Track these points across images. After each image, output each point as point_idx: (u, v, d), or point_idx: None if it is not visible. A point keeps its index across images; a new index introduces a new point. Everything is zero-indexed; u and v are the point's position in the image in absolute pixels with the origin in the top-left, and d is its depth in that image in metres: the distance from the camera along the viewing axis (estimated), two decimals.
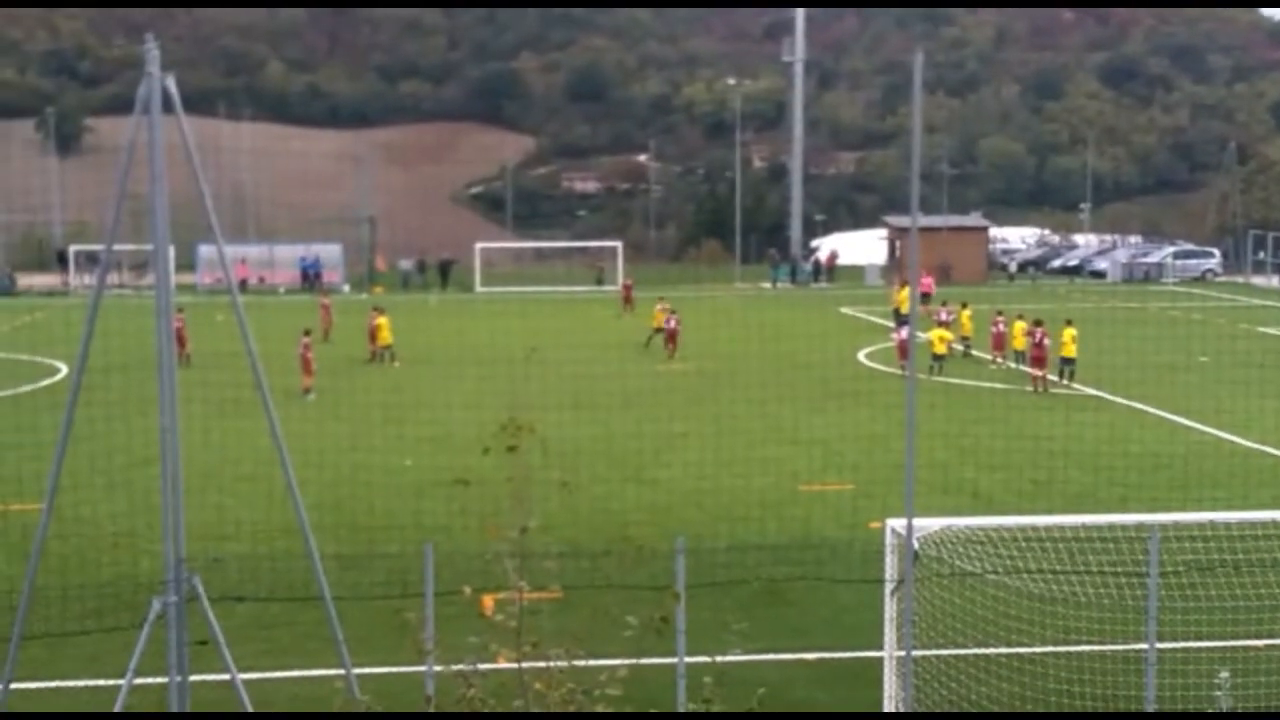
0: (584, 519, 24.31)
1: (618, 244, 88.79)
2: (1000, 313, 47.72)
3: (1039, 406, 38.41)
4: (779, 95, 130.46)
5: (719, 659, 11.07)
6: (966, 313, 50.03)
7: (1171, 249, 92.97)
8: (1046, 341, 41.96)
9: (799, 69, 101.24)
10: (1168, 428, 35.35)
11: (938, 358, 44.36)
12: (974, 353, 48.64)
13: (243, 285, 73.79)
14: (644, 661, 14.46)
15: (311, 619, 17.28)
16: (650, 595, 10.31)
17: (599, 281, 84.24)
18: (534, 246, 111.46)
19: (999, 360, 46.13)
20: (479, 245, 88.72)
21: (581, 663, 8.87)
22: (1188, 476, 28.74)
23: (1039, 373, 41.57)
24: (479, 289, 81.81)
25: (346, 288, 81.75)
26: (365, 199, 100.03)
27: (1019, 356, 44.79)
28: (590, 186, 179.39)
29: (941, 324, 47.40)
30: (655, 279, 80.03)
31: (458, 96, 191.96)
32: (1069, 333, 42.17)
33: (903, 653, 15.06)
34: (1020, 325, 45.20)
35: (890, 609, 15.93)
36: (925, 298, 64.82)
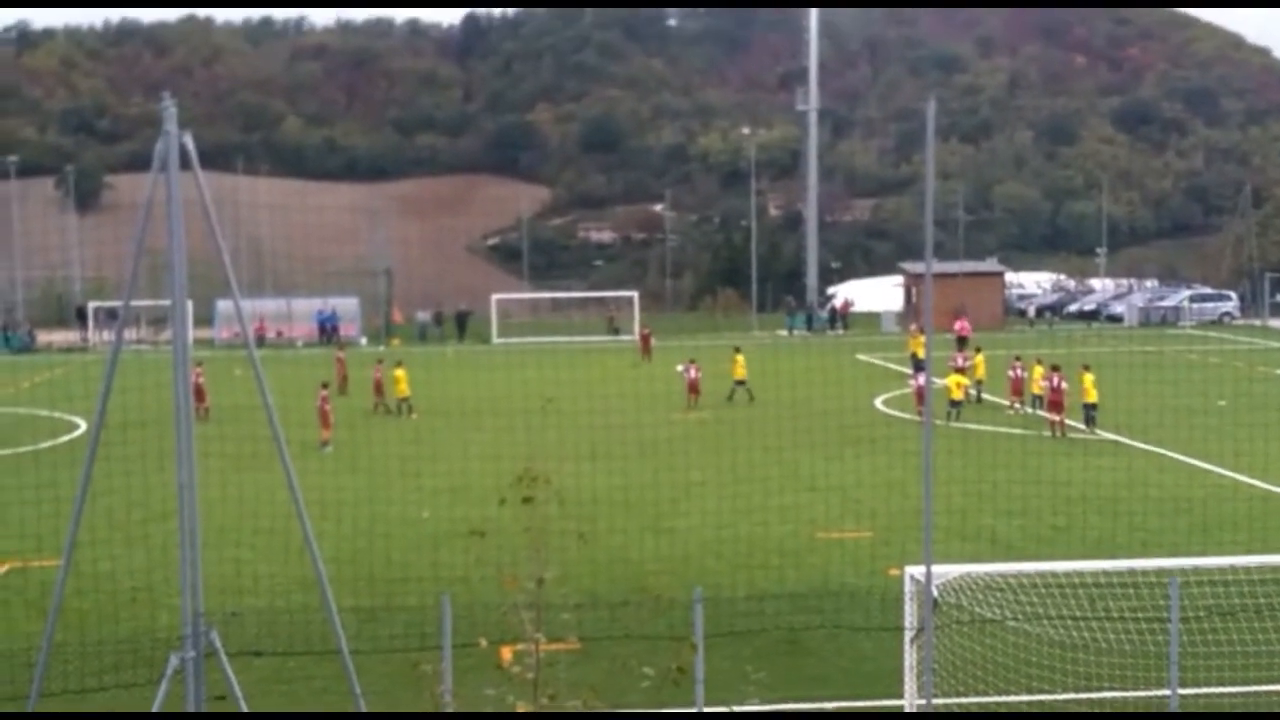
0: (602, 569, 24.25)
1: (634, 294, 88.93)
2: (1018, 358, 47.65)
3: (1057, 452, 38.29)
4: (793, 144, 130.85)
5: (737, 709, 11.05)
6: (980, 358, 49.96)
7: (1188, 292, 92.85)
8: (1064, 386, 41.86)
9: (813, 117, 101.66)
10: (1186, 471, 35.20)
11: (955, 403, 44.28)
12: (986, 398, 48.54)
13: (260, 339, 74.09)
14: (663, 711, 14.47)
15: (329, 672, 17.25)
16: (668, 645, 10.31)
17: (614, 331, 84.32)
18: (550, 297, 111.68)
19: (1017, 406, 46.03)
20: (495, 296, 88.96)
21: (599, 714, 8.87)
22: (1207, 520, 28.60)
23: (1057, 418, 41.46)
24: (496, 340, 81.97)
25: (364, 340, 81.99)
26: (382, 251, 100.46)
27: (1037, 401, 44.68)
28: (606, 236, 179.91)
29: (958, 370, 47.33)
30: (672, 328, 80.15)
31: (473, 148, 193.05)
32: (1088, 378, 42.05)
33: (923, 701, 14.99)
34: (1039, 370, 45.13)
35: (910, 657, 15.87)
36: (962, 341, 64.81)
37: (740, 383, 49.95)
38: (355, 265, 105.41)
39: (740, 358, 50.68)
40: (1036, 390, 44.66)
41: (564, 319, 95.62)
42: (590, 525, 26.37)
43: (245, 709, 13.87)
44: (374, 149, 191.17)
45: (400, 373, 48.15)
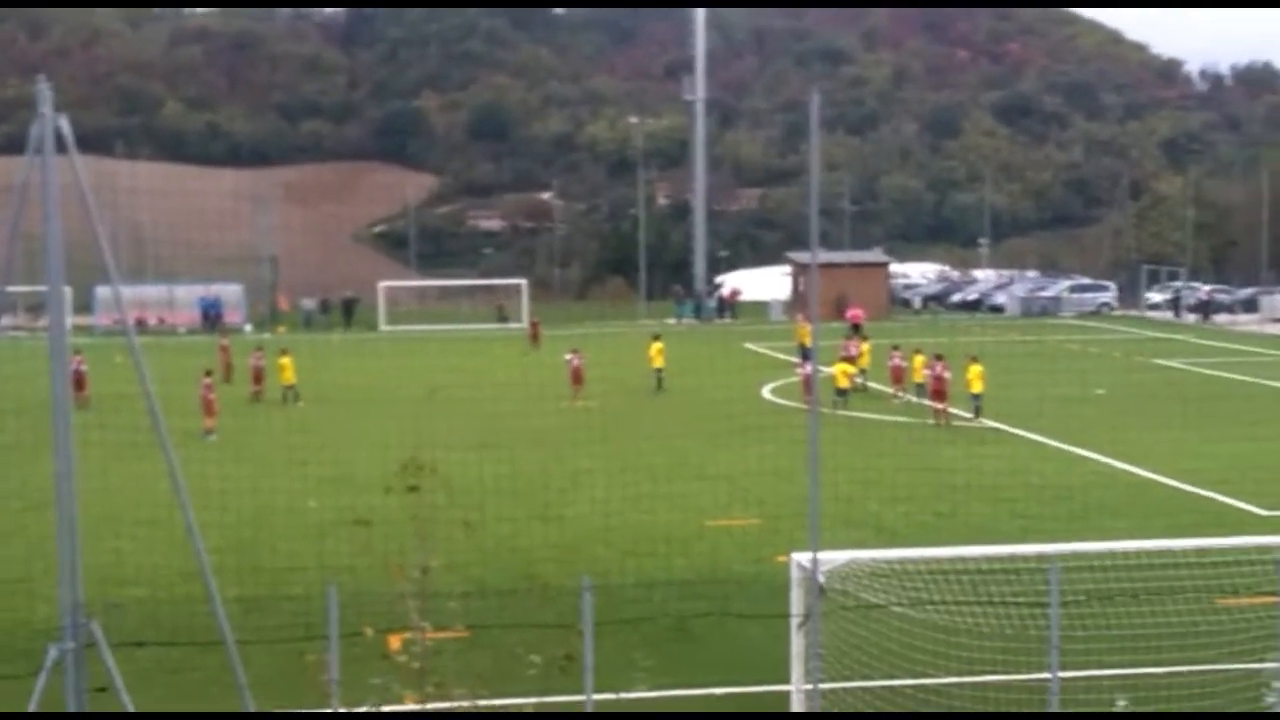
0: (490, 557, 24.18)
1: (522, 282, 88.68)
2: (897, 347, 48.21)
3: (941, 440, 38.79)
4: (681, 133, 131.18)
5: (624, 695, 11.06)
6: (866, 347, 50.45)
7: (1068, 283, 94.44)
8: (947, 375, 42.40)
9: (700, 108, 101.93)
10: (1066, 459, 35.84)
11: (841, 392, 44.68)
12: (871, 386, 49.03)
13: (141, 326, 72.86)
14: (551, 699, 14.45)
15: (214, 663, 17.00)
16: (556, 633, 10.32)
17: (503, 319, 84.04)
18: (438, 285, 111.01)
19: (900, 394, 46.55)
20: (382, 284, 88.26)
21: (486, 702, 8.83)
22: (1087, 507, 29.15)
23: (940, 406, 41.99)
24: (383, 328, 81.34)
25: (248, 328, 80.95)
26: (266, 238, 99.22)
27: (919, 390, 45.23)
28: (494, 225, 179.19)
29: (846, 359, 47.76)
30: (560, 317, 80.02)
31: (359, 135, 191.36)
32: (975, 369, 42.50)
33: (810, 686, 15.12)
34: (919, 359, 45.69)
35: (797, 643, 15.99)
36: (856, 328, 65.44)
37: (658, 371, 49.72)
38: (240, 252, 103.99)
39: (658, 345, 50.48)
40: (919, 379, 45.21)
41: (452, 307, 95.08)
42: (478, 513, 26.25)
43: (127, 700, 13.65)
44: (257, 134, 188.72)
45: (286, 360, 47.59)
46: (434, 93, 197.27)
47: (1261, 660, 16.25)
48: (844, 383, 45.04)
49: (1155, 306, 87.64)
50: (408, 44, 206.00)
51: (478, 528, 24.71)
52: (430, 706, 8.68)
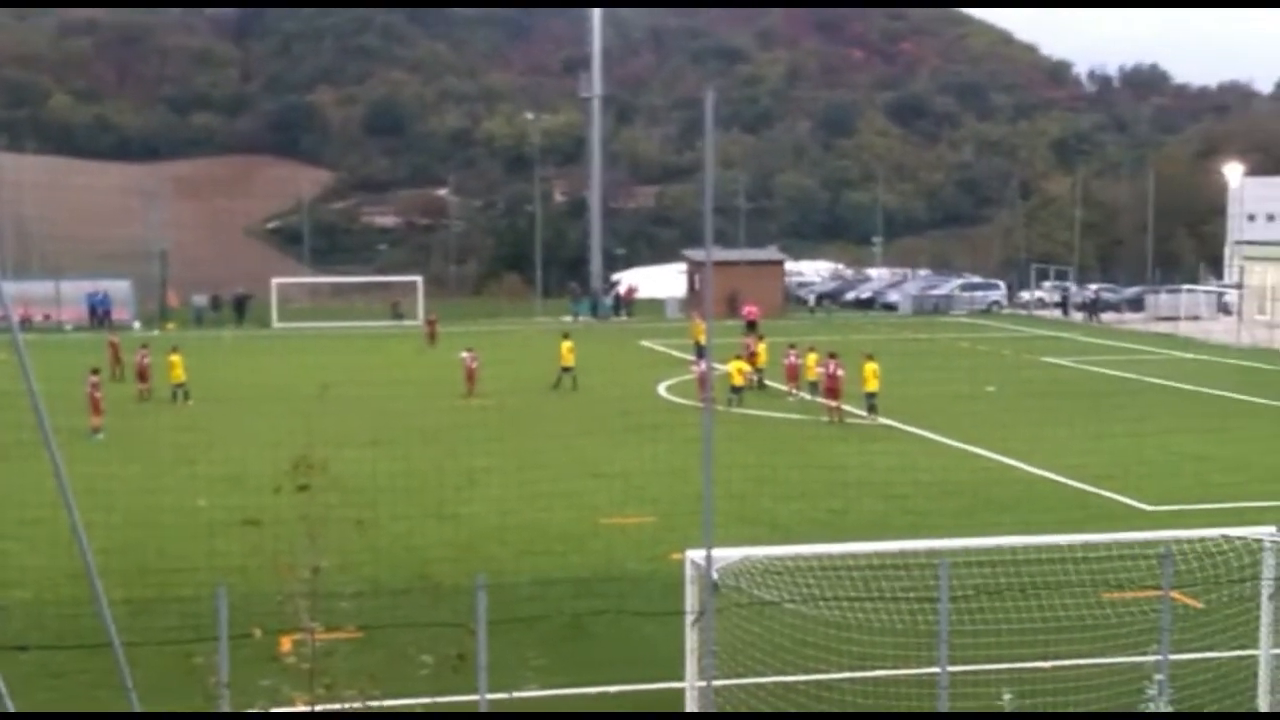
0: (384, 557, 24.02)
1: (418, 278, 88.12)
2: (793, 345, 48.56)
3: (834, 437, 39.13)
4: (578, 130, 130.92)
5: (517, 695, 11.05)
6: (762, 345, 50.70)
7: (959, 281, 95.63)
8: (841, 373, 42.73)
9: (597, 104, 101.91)
10: (956, 456, 36.31)
11: (736, 389, 44.89)
12: (768, 384, 49.31)
13: (27, 323, 71.46)
14: (444, 699, 14.39)
15: (101, 666, 16.72)
16: (450, 633, 10.27)
17: (397, 316, 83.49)
18: (332, 281, 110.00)
19: (794, 392, 46.87)
20: (275, 280, 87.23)
21: (378, 703, 8.78)
22: (976, 503, 29.56)
23: (833, 404, 42.34)
24: (276, 325, 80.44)
25: (137, 324, 79.68)
26: (156, 233, 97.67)
27: (813, 388, 45.57)
28: (389, 221, 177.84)
29: (741, 356, 47.99)
30: (456, 314, 79.64)
31: (252, 129, 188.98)
32: (870, 367, 42.70)
33: (704, 683, 15.19)
34: (813, 357, 46.04)
35: (691, 640, 16.05)
36: (751, 325, 65.79)
37: (567, 369, 49.41)
38: (129, 247, 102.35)
39: (568, 344, 50.12)
40: (812, 377, 45.55)
41: (346, 304, 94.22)
42: (373, 512, 26.11)
43: (10, 704, 13.38)
44: (147, 128, 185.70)
45: (175, 358, 46.88)
46: (329, 87, 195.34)
47: (1144, 653, 16.56)
48: (739, 380, 45.26)
49: (1044, 305, 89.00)
50: (301, 38, 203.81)
51: (372, 526, 24.56)
52: (320, 708, 8.61)
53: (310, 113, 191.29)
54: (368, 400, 43.65)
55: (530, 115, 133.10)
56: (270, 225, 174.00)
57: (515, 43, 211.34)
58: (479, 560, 23.81)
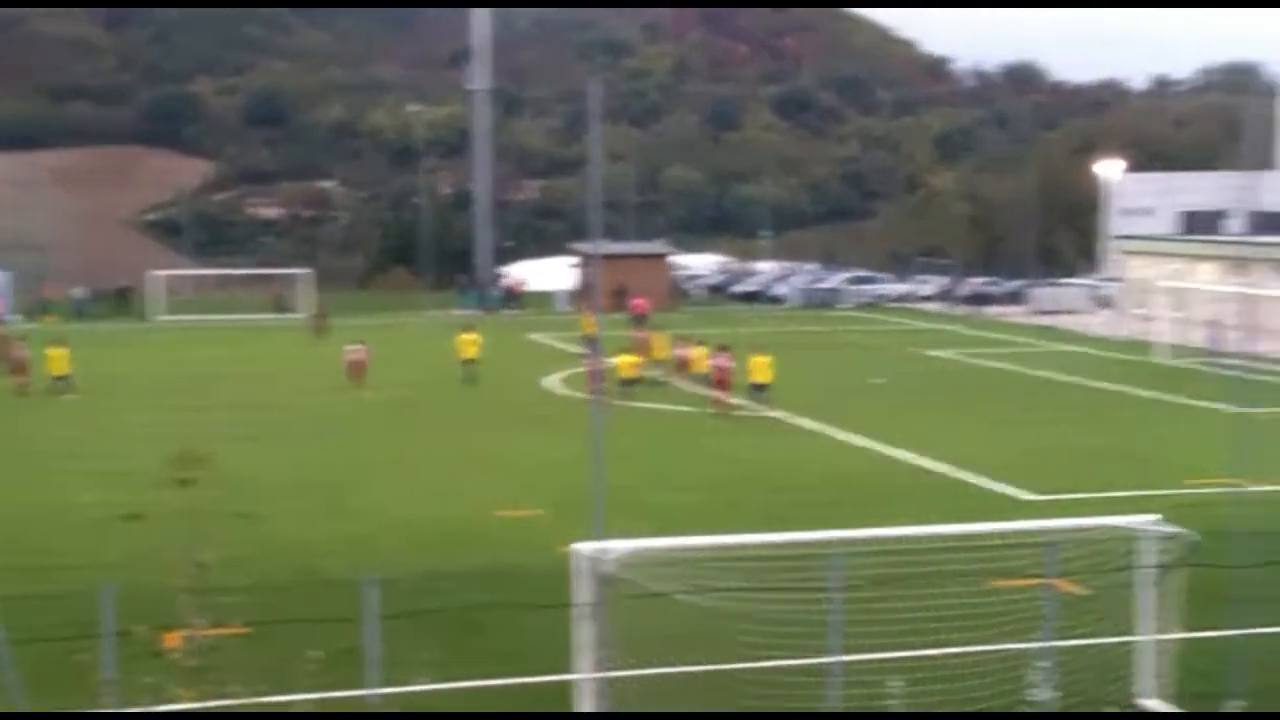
0: (273, 552, 23.71)
1: (304, 271, 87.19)
2: (683, 337, 48.72)
3: (726, 430, 39.29)
4: (463, 122, 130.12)
5: (409, 689, 10.94)
6: (657, 338, 50.67)
7: (845, 275, 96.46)
8: (731, 365, 42.91)
9: (483, 96, 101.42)
10: (847, 448, 36.62)
11: (627, 383, 44.89)
12: (660, 378, 49.40)
13: None
14: (334, 695, 14.23)
15: None
16: (340, 628, 10.14)
17: (281, 309, 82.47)
18: (215, 274, 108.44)
19: (687, 385, 46.95)
20: (157, 273, 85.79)
21: (265, 699, 8.63)
22: (865, 494, 29.84)
23: (720, 394, 42.49)
24: (158, 318, 79.12)
25: (16, 317, 77.95)
26: (34, 225, 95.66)
27: (704, 380, 45.73)
28: (273, 213, 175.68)
29: (630, 350, 47.98)
30: (342, 306, 78.81)
31: (130, 119, 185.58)
32: (760, 360, 42.84)
33: (596, 675, 15.15)
34: (700, 350, 46.25)
35: (583, 633, 16.01)
36: (640, 319, 65.77)
37: (469, 362, 48.95)
38: (5, 239, 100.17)
39: (469, 336, 49.59)
40: (703, 369, 45.69)
41: (229, 296, 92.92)
42: (263, 507, 25.79)
43: None
44: (22, 117, 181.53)
45: (57, 351, 45.93)
46: (209, 77, 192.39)
47: (1029, 640, 16.81)
48: (630, 373, 45.27)
49: (928, 298, 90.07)
50: (180, 27, 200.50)
51: (260, 521, 24.26)
52: (212, 705, 8.46)
53: (190, 103, 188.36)
54: (254, 394, 43.09)
55: (415, 107, 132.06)
56: (151, 217, 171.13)
57: (398, 34, 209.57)
58: (369, 555, 23.59)
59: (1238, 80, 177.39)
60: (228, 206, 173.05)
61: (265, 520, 24.99)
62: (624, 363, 45.60)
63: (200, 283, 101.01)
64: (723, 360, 43.08)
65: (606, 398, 43.11)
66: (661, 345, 50.41)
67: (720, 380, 42.84)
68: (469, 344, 48.82)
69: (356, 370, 47.28)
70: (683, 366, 47.34)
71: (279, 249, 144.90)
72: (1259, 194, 74.25)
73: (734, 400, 42.44)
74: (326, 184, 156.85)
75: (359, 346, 48.53)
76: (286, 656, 9.70)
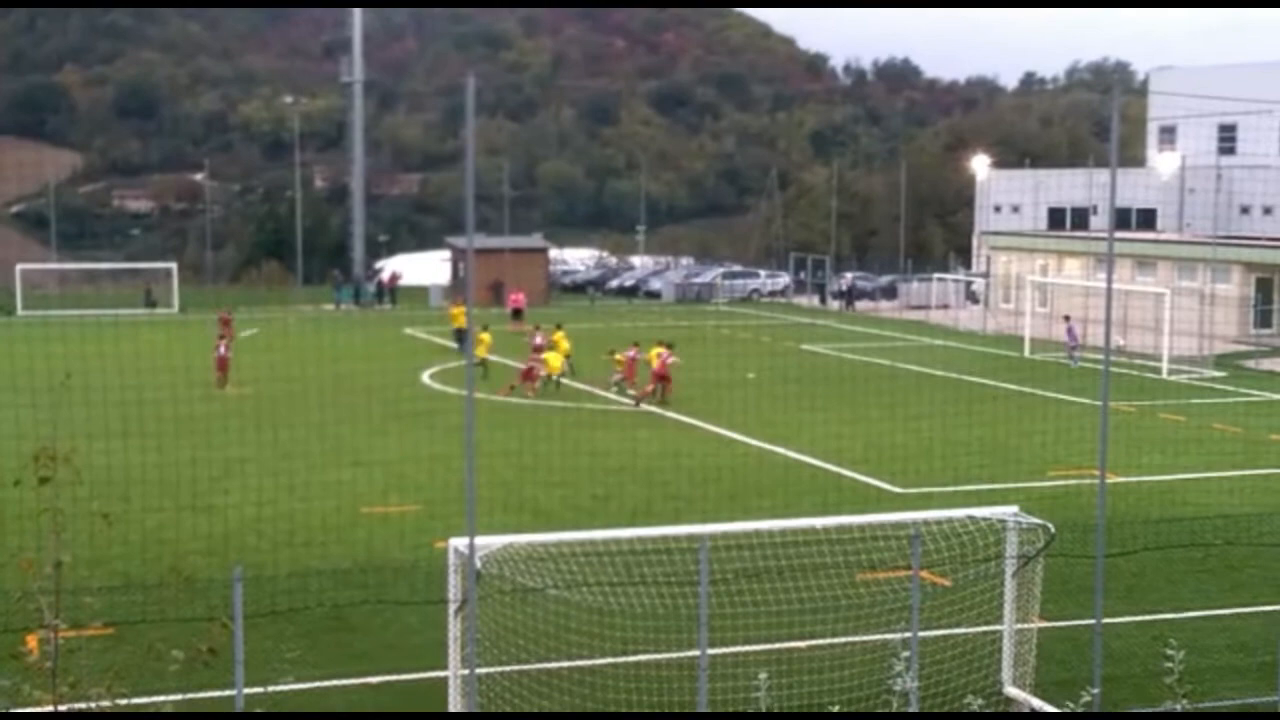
0: (136, 551, 23.31)
1: (172, 265, 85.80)
2: (538, 327, 49.04)
3: (600, 424, 39.36)
4: (339, 115, 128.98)
5: (273, 689, 10.83)
6: (560, 335, 49.73)
7: (721, 270, 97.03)
8: (673, 360, 43.95)
9: (358, 89, 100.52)
10: (718, 441, 36.86)
11: (555, 378, 45.34)
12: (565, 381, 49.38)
13: None
14: (198, 695, 14.05)
15: None
16: (204, 627, 10.02)
17: (150, 304, 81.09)
18: (81, 268, 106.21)
19: (562, 380, 46.97)
20: (20, 266, 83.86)
21: (125, 700, 8.51)
22: (736, 488, 30.05)
23: (650, 389, 43.42)
24: (21, 312, 77.40)
25: None
26: None
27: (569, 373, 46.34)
28: (143, 205, 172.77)
29: (538, 348, 48.10)
30: (213, 301, 77.69)
31: None
32: (655, 352, 44.19)
33: (467, 671, 15.12)
34: (563, 341, 47.07)
35: (454, 628, 15.98)
36: (517, 314, 65.47)
37: (481, 363, 47.83)
38: None
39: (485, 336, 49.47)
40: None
41: (97, 291, 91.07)
42: (124, 505, 25.36)
43: None
44: None
45: None
46: (76, 67, 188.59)
47: (895, 630, 17.05)
48: (557, 369, 45.66)
49: (802, 293, 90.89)
50: (47, 15, 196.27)
51: (122, 520, 23.84)
52: (65, 708, 8.32)
53: (57, 93, 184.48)
54: (119, 390, 42.26)
55: (289, 99, 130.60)
56: (14, 209, 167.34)
57: (272, 25, 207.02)
58: (236, 552, 23.32)
59: (1104, 79, 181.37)
60: (95, 199, 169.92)
61: (128, 519, 24.57)
62: (551, 359, 45.77)
63: (64, 277, 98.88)
64: (666, 356, 44.04)
65: (528, 392, 43.87)
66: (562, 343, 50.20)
67: (660, 374, 43.61)
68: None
69: (222, 366, 46.66)
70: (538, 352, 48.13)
71: (148, 242, 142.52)
72: (1124, 191, 75.92)
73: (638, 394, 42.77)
74: (197, 176, 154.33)
75: (224, 341, 47.96)
76: (149, 657, 9.54)
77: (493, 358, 50.67)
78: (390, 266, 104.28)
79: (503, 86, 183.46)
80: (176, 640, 10.14)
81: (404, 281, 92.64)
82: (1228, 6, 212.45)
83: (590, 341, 48.91)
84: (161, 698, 8.78)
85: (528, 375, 44.61)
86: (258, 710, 11.26)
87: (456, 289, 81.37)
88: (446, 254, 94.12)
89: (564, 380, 45.92)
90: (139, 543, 23.86)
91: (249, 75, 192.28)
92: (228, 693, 14.59)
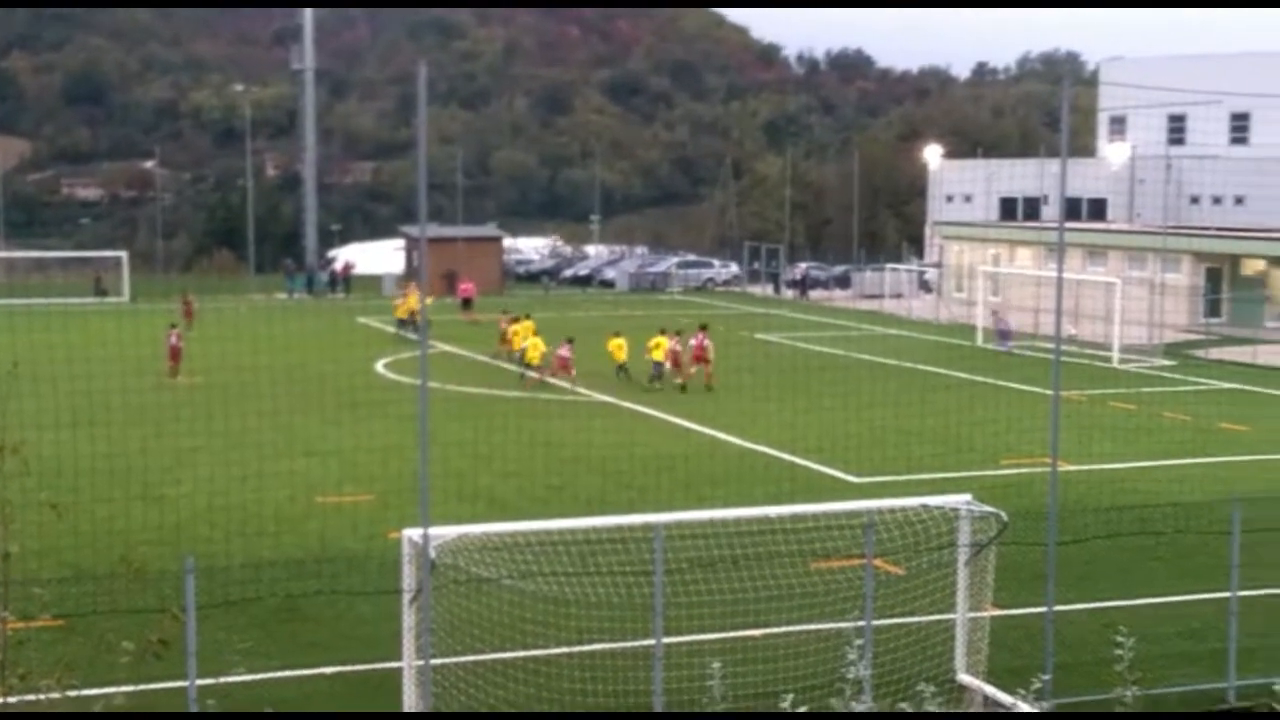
0: (87, 542, 23.10)
1: (123, 254, 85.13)
2: (505, 311, 49.02)
3: (555, 414, 39.31)
4: (290, 103, 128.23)
5: (225, 680, 10.77)
6: (522, 327, 49.41)
7: (675, 259, 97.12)
8: (708, 343, 45.06)
9: (310, 77, 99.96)
10: (672, 431, 36.90)
11: (529, 367, 45.54)
12: (491, 362, 49.32)
13: None
14: (149, 687, 13.95)
15: None
16: (155, 619, 9.96)
17: (100, 293, 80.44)
18: (30, 256, 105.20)
19: (528, 373, 46.60)
20: None
21: (75, 693, 8.43)
22: (691, 477, 30.09)
23: (693, 370, 44.60)
24: None
25: None
26: None
27: (517, 358, 46.51)
28: (93, 193, 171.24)
29: (503, 338, 48.69)
30: (165, 290, 77.12)
31: None
32: (616, 342, 45.09)
33: (421, 662, 15.08)
34: (521, 330, 47.31)
35: (408, 619, 15.93)
36: (467, 303, 65.31)
37: (622, 367, 46.91)
38: None
39: (618, 341, 48.51)
40: (515, 347, 46.74)
41: (46, 280, 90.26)
42: (74, 496, 25.13)
43: None
44: None
45: None
46: (24, 53, 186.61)
47: (849, 619, 17.11)
48: (536, 359, 45.68)
49: (756, 282, 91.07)
50: None
51: (72, 510, 23.59)
52: (14, 699, 8.24)
53: (4, 80, 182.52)
54: (68, 379, 41.88)
55: (240, 87, 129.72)
56: None
57: (223, 12, 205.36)
58: (188, 543, 23.16)
59: (1055, 69, 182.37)
60: (44, 187, 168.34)
61: (78, 509, 24.35)
62: (533, 346, 45.78)
63: (12, 265, 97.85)
64: (701, 338, 45.22)
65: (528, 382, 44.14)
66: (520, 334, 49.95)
67: (698, 356, 44.78)
68: (618, 349, 46.59)
69: (174, 355, 46.33)
70: (505, 343, 48.18)
71: (98, 231, 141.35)
72: (1075, 181, 76.44)
73: (553, 380, 42.73)
74: (148, 164, 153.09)
75: (175, 330, 47.65)
76: (99, 649, 9.47)
77: (451, 348, 50.57)
78: (343, 255, 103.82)
79: (456, 75, 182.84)
80: (127, 632, 10.07)
81: (357, 270, 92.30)
82: (1178, 6, 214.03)
83: (546, 331, 48.75)
84: (112, 689, 8.69)
85: (562, 365, 44.10)
86: (210, 701, 11.20)
87: (410, 278, 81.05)
88: (400, 243, 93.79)
89: (529, 374, 45.49)
90: (89, 533, 23.65)
91: (199, 62, 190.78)
92: (180, 684, 14.51)
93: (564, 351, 44.03)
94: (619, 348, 45.94)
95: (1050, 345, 50.06)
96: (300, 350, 49.06)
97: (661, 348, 44.95)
